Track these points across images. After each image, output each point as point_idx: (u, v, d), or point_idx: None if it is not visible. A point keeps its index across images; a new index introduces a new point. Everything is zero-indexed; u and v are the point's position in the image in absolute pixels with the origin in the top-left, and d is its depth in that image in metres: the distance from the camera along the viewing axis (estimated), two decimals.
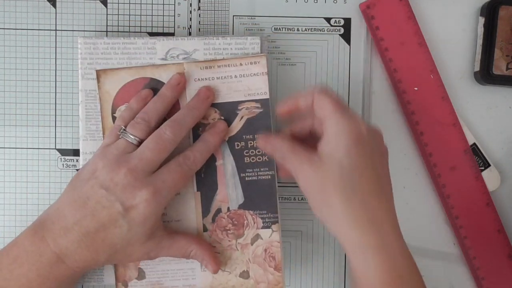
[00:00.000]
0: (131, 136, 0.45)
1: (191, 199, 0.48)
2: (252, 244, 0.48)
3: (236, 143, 0.48)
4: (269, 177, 0.48)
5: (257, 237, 0.47)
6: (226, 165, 0.48)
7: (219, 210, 0.48)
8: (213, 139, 0.47)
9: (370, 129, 0.43)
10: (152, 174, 0.44)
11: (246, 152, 0.47)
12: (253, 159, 0.47)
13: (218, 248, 0.48)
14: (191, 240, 0.46)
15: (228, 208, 0.48)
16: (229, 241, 0.48)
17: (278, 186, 0.51)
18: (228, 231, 0.48)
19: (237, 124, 0.47)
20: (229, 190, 0.48)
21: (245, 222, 0.47)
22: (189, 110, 0.46)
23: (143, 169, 0.43)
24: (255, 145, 0.47)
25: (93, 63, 0.48)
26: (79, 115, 0.49)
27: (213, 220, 0.48)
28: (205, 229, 0.48)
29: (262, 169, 0.48)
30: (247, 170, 0.47)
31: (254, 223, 0.47)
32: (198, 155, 0.46)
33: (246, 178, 0.47)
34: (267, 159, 0.47)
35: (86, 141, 0.49)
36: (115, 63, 0.48)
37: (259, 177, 0.48)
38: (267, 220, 0.47)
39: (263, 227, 0.47)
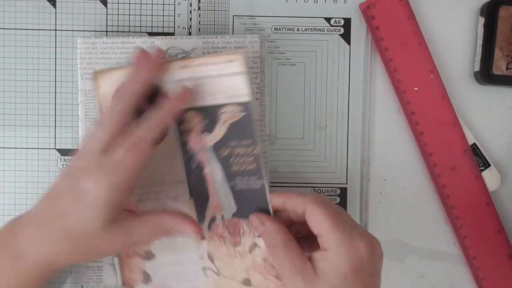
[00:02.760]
0: None
1: (184, 207, 0.46)
2: (250, 253, 0.46)
3: (221, 150, 0.45)
4: (259, 186, 0.44)
5: (254, 246, 0.46)
6: (214, 173, 0.45)
7: (213, 219, 0.46)
8: (170, 104, 0.42)
9: (369, 248, 0.39)
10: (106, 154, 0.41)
11: (233, 160, 0.44)
12: (241, 167, 0.45)
13: (218, 256, 0.47)
14: (163, 214, 0.43)
15: (222, 217, 0.46)
16: (227, 248, 0.46)
17: (277, 186, 0.51)
18: (225, 239, 0.46)
19: (221, 129, 0.44)
20: (221, 199, 0.45)
21: (241, 230, 0.45)
22: (135, 73, 0.42)
23: (96, 150, 0.40)
24: (242, 152, 0.44)
25: (92, 63, 0.49)
26: (79, 115, 0.49)
27: (209, 227, 0.46)
28: (202, 237, 0.46)
29: (252, 178, 0.44)
30: (236, 178, 0.45)
31: (251, 231, 0.45)
32: (152, 122, 0.41)
33: (236, 188, 0.45)
34: (255, 168, 0.44)
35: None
36: (114, 63, 0.48)
37: (249, 185, 0.44)
38: None
39: (259, 236, 0.45)
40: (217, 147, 0.45)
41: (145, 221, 0.42)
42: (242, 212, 0.45)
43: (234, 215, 0.46)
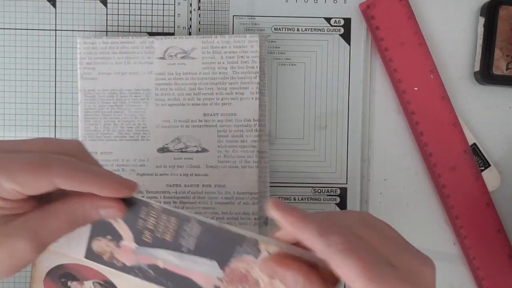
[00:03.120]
0: None
1: None
2: (273, 278, 0.38)
3: (143, 237, 0.38)
4: (200, 229, 0.37)
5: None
6: (166, 258, 0.38)
7: (217, 286, 0.39)
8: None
9: None
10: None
11: (158, 233, 0.37)
12: (169, 236, 0.38)
13: None
14: (73, 199, 0.35)
15: (219, 278, 0.38)
16: None
17: (277, 186, 0.51)
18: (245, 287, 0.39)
19: (121, 228, 0.37)
20: (198, 269, 0.38)
21: (242, 271, 0.38)
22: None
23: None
24: (152, 222, 0.37)
25: (92, 63, 0.49)
26: (79, 115, 0.49)
27: None
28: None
29: (187, 231, 0.37)
30: (179, 243, 0.37)
31: (249, 264, 0.38)
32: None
33: (192, 249, 0.37)
34: (175, 224, 0.37)
35: (85, 141, 0.49)
36: (113, 62, 0.49)
37: (195, 236, 0.37)
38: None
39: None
40: (139, 239, 0.38)
41: (53, 213, 0.34)
42: (222, 259, 0.38)
43: (221, 268, 0.38)
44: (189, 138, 0.49)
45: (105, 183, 0.34)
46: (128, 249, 0.39)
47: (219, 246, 0.37)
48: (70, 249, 0.39)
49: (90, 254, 0.39)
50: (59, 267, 0.40)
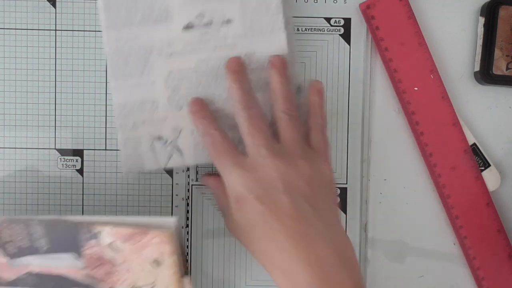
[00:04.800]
0: None
1: None
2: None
3: (11, 255, 0.40)
4: (42, 229, 0.40)
5: (113, 248, 0.40)
6: (36, 263, 0.40)
7: (87, 275, 0.41)
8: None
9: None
10: None
11: (18, 243, 0.39)
12: (25, 242, 0.39)
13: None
14: None
15: (82, 268, 0.41)
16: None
17: None
18: (110, 273, 0.40)
19: None
20: (63, 263, 0.40)
21: (95, 257, 0.40)
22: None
23: None
24: (8, 235, 0.40)
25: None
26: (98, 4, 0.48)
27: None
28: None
29: (32, 234, 0.40)
30: (37, 247, 0.39)
31: (97, 248, 0.40)
32: None
33: (46, 249, 0.39)
34: (25, 236, 0.40)
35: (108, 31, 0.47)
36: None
37: (42, 238, 0.40)
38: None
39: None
40: (7, 253, 0.40)
41: None
42: (75, 249, 0.39)
43: (79, 258, 0.40)
44: (213, 10, 0.47)
45: None
46: (3, 265, 0.40)
47: (67, 238, 0.39)
48: None
49: None
50: None
